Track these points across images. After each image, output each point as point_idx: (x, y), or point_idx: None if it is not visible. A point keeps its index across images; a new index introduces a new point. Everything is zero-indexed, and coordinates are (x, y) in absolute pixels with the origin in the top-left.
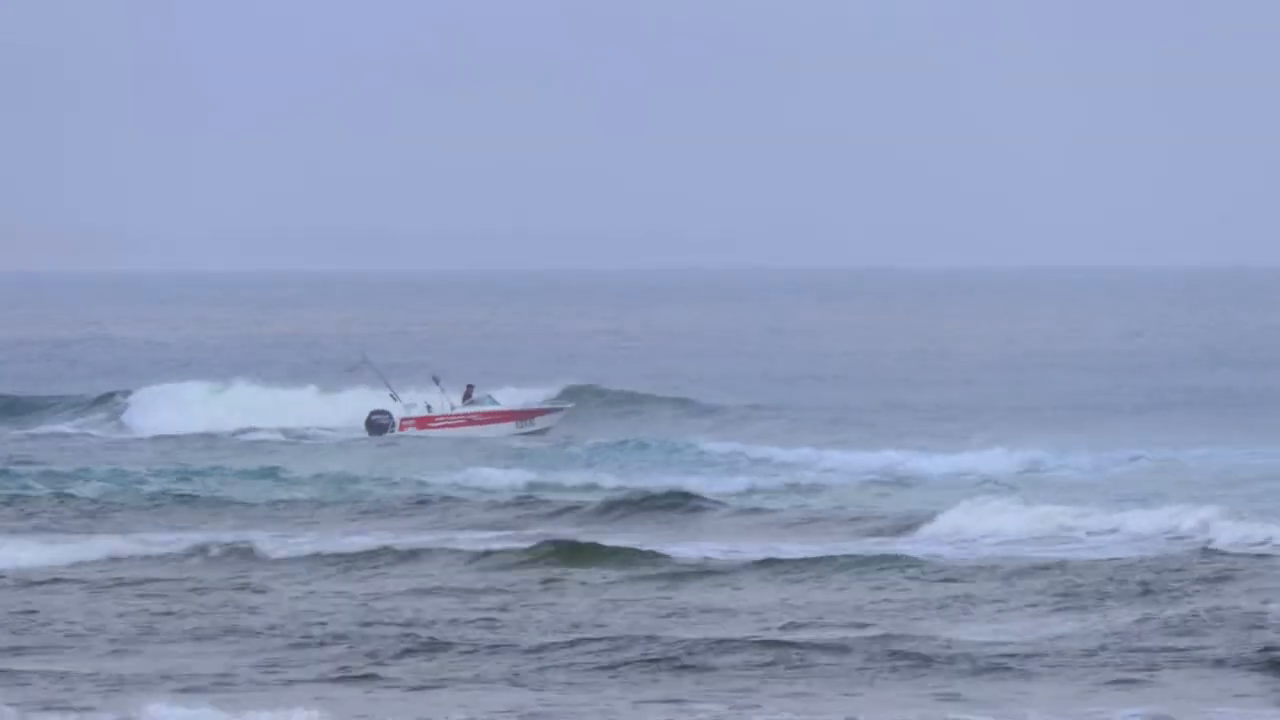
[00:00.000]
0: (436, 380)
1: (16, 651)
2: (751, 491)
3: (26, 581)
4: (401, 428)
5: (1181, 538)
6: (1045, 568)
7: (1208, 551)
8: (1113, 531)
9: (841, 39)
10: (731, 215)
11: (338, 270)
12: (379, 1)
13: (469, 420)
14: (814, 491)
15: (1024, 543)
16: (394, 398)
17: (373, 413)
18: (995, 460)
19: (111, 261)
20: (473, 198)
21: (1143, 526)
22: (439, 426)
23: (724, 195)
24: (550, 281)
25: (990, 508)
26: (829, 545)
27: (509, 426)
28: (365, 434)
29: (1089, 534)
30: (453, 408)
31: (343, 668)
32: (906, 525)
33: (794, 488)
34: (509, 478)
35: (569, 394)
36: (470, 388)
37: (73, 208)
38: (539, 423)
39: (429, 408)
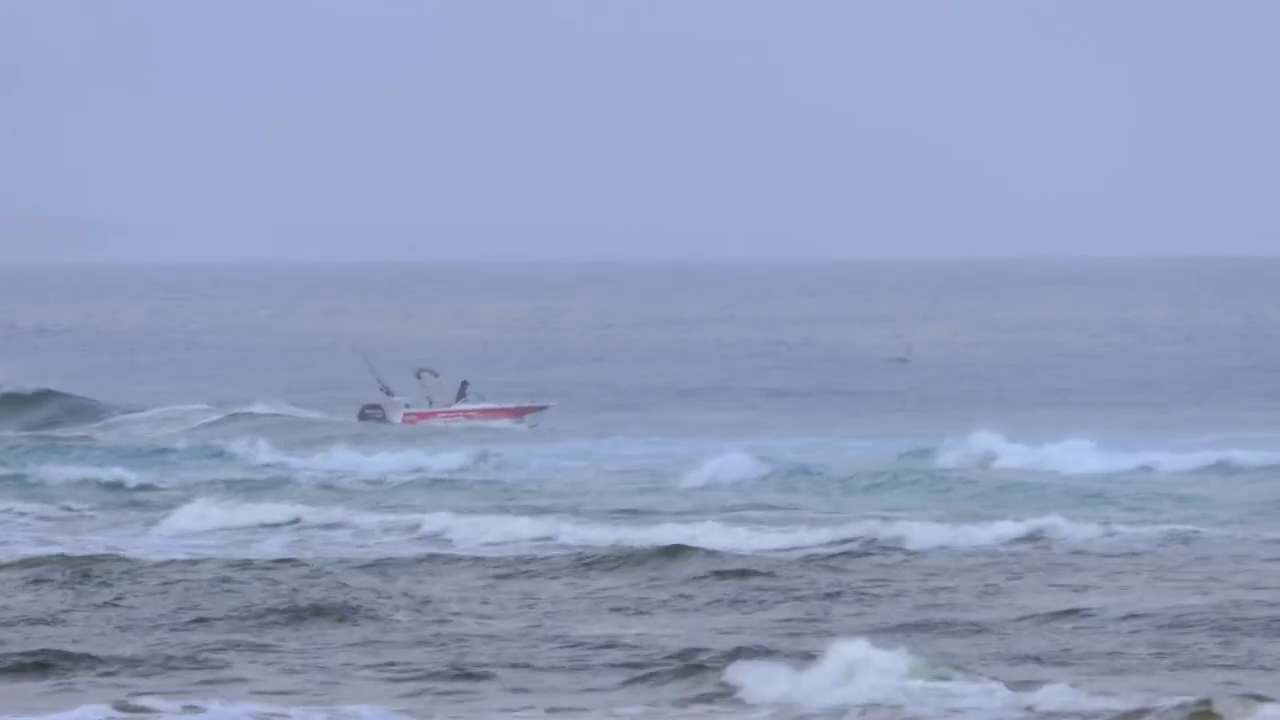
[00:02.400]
0: (419, 375)
1: None
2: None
3: None
4: (405, 421)
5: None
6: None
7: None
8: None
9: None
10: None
11: (327, 262)
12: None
13: (466, 416)
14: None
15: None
16: (386, 392)
17: (365, 406)
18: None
19: (119, 253)
20: (469, 188)
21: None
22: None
23: (717, 193)
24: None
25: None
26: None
27: (505, 423)
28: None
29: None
30: (430, 403)
31: None
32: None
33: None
34: None
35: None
36: (464, 384)
37: (71, 203)
38: (528, 420)
39: (430, 402)
